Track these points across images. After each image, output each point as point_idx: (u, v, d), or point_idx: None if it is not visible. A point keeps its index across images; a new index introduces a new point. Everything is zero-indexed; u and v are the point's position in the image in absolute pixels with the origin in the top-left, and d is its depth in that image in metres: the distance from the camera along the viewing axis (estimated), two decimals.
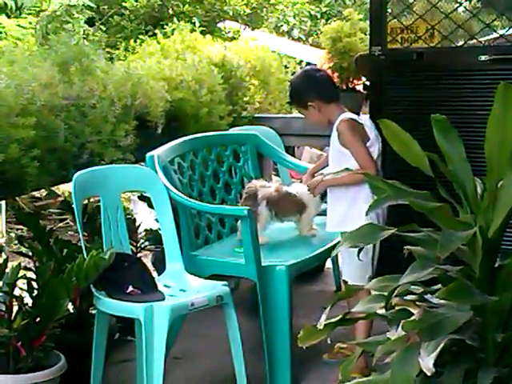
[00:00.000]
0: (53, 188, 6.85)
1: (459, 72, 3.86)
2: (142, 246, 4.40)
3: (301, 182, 3.77)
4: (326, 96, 3.46)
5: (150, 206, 3.63)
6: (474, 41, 4.00)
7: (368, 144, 3.39)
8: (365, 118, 3.49)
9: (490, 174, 2.09)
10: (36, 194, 7.33)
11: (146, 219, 4.79)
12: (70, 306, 3.31)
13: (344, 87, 5.01)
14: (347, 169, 2.80)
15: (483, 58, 3.77)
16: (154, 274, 3.64)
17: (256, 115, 5.20)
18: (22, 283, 3.11)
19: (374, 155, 3.40)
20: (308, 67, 3.97)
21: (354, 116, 3.45)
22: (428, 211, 2.06)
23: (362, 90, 5.09)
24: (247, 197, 3.77)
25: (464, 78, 3.84)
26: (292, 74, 5.72)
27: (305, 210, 3.81)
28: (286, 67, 5.96)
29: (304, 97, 3.48)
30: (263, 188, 3.77)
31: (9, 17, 8.07)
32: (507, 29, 3.90)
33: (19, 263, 3.05)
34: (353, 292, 2.54)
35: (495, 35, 4.22)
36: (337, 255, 3.63)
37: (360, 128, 3.41)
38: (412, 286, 2.12)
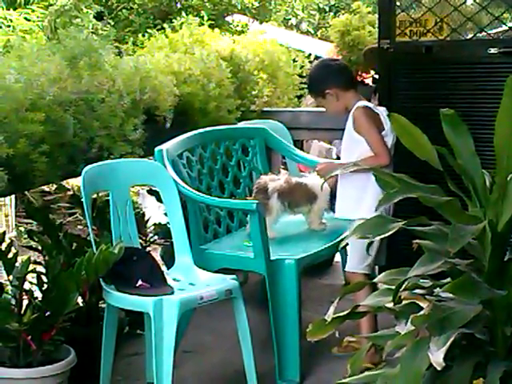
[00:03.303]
0: (62, 182, 6.88)
1: (468, 65, 3.85)
2: (151, 240, 4.41)
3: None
4: (343, 84, 3.50)
5: (159, 200, 3.63)
6: (483, 34, 3.99)
7: (383, 133, 3.42)
8: (382, 109, 3.52)
9: (499, 167, 2.08)
10: (45, 188, 7.35)
11: (154, 213, 4.80)
12: (80, 300, 3.32)
13: None
14: (355, 164, 2.80)
15: (492, 50, 3.77)
16: (163, 267, 3.65)
17: (264, 109, 5.19)
18: (31, 277, 3.12)
19: (388, 144, 3.42)
20: (325, 57, 3.99)
21: (371, 104, 3.50)
22: (437, 205, 2.06)
23: (370, 84, 5.08)
24: (258, 191, 3.76)
25: (473, 71, 3.83)
26: (300, 68, 5.72)
27: (315, 201, 3.80)
28: (294, 61, 5.94)
29: (322, 86, 3.51)
30: (273, 181, 3.77)
31: (15, 9, 8.08)
32: None
33: (29, 257, 3.06)
34: (361, 285, 2.55)
35: (504, 28, 4.21)
36: (345, 249, 3.62)
37: (376, 116, 3.44)
38: (421, 280, 2.11)
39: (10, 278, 3.02)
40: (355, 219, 3.37)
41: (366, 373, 2.19)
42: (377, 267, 4.07)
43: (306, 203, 3.83)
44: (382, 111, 3.49)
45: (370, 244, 3.21)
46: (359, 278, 3.41)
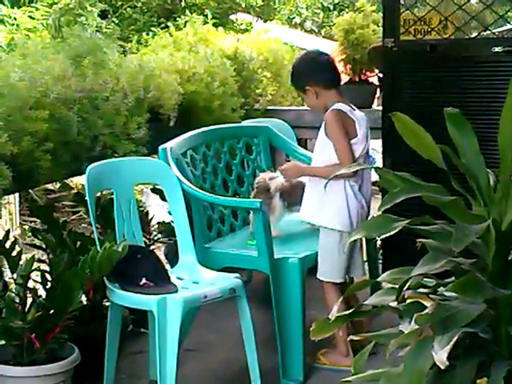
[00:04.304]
0: (66, 181, 6.89)
1: (472, 63, 3.84)
2: (155, 238, 4.41)
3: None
4: (325, 82, 3.38)
5: (163, 198, 3.64)
6: (488, 32, 3.99)
7: (354, 141, 3.33)
8: (358, 115, 3.41)
9: (503, 166, 2.08)
10: (49, 186, 7.36)
11: (158, 212, 4.80)
12: (84, 298, 3.32)
13: (357, 79, 5.00)
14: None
15: (497, 49, 3.76)
16: (167, 266, 3.65)
17: (268, 108, 5.20)
18: (35, 275, 3.13)
19: (356, 153, 3.34)
20: (311, 49, 3.90)
21: (347, 108, 3.37)
22: (441, 205, 2.05)
23: (374, 82, 5.08)
24: (259, 191, 3.75)
25: (477, 70, 3.82)
26: None
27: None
28: None
29: (303, 80, 3.41)
30: (272, 180, 3.76)
31: (19, 7, 8.09)
32: None
33: (33, 255, 3.06)
34: (363, 285, 2.54)
35: (509, 27, 4.20)
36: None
37: (349, 121, 3.34)
38: (425, 279, 2.11)
39: (14, 276, 3.03)
40: (318, 225, 3.40)
41: (370, 372, 2.19)
42: (381, 266, 4.08)
43: (300, 201, 3.82)
44: (358, 117, 3.38)
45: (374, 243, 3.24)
46: (329, 286, 3.44)
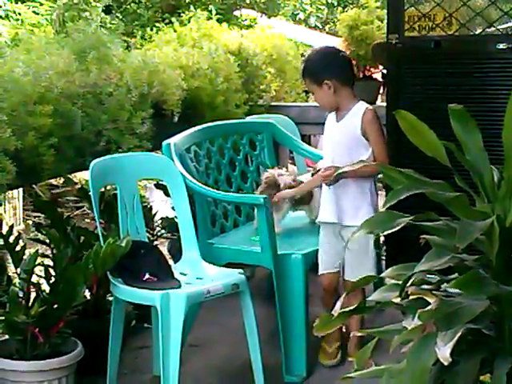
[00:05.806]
0: (70, 176, 6.90)
1: (477, 60, 3.83)
2: (159, 233, 4.41)
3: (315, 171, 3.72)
4: (343, 78, 3.36)
5: (167, 194, 3.64)
6: (492, 29, 3.98)
7: None
8: None
9: (507, 162, 2.07)
10: (53, 181, 7.37)
11: (162, 207, 4.80)
12: (87, 293, 3.33)
13: (361, 75, 4.99)
14: (362, 161, 2.79)
15: (501, 46, 3.75)
16: (170, 261, 3.66)
17: (272, 104, 5.19)
18: (39, 270, 3.13)
19: None
20: (329, 45, 3.91)
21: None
22: (445, 201, 2.05)
23: (379, 79, 5.07)
24: (268, 186, 3.73)
25: (482, 66, 3.81)
26: None
27: (312, 199, 3.79)
28: (302, 55, 5.94)
29: (321, 73, 3.34)
30: (281, 176, 3.76)
31: (23, 2, 8.10)
32: None
33: (37, 250, 3.07)
34: (368, 280, 2.54)
35: None
36: None
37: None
38: (428, 275, 2.11)
39: (18, 270, 3.03)
40: (351, 225, 3.37)
41: (373, 368, 2.19)
42: (384, 262, 4.08)
43: (306, 202, 3.82)
44: None
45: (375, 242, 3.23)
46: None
